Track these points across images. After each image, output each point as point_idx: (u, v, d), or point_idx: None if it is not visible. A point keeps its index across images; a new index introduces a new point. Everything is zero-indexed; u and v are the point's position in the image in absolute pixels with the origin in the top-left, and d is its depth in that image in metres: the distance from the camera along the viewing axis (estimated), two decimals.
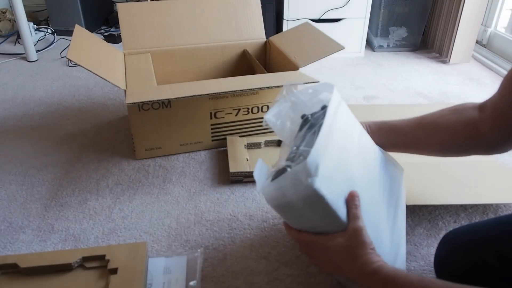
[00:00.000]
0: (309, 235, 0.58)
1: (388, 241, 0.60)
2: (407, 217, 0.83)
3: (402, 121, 0.69)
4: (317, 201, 0.51)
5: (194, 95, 0.87)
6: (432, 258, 0.72)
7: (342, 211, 0.53)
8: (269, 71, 1.09)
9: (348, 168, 0.56)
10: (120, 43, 1.85)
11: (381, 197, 0.62)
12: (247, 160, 0.96)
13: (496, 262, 0.57)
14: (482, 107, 0.60)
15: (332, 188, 0.52)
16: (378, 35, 1.79)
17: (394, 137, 0.69)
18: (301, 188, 0.50)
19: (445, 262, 0.64)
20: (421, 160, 0.96)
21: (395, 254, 0.61)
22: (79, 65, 0.86)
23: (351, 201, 0.54)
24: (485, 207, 0.85)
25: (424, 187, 0.85)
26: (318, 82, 0.93)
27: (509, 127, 0.55)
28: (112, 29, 2.04)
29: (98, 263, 0.66)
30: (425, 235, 0.78)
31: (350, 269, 0.54)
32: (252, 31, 1.25)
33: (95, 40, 1.05)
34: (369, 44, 1.84)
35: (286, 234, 0.62)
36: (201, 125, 1.01)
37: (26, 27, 1.61)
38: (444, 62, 1.67)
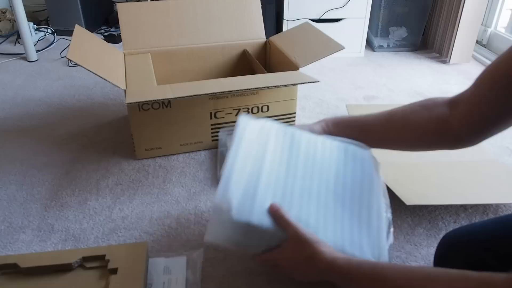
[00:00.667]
0: (269, 254, 0.61)
1: (348, 225, 0.61)
2: (407, 217, 0.83)
3: (371, 118, 0.69)
4: (246, 226, 0.56)
5: (194, 95, 0.87)
6: (432, 258, 0.72)
7: (274, 226, 0.57)
8: (269, 71, 1.09)
9: (267, 186, 0.60)
10: (120, 43, 1.85)
11: (331, 188, 0.64)
12: None
13: (496, 263, 0.57)
14: (453, 102, 0.60)
15: (253, 211, 0.57)
16: (378, 35, 1.79)
17: (364, 135, 0.70)
18: (228, 223, 0.56)
19: (445, 262, 0.64)
20: (421, 160, 0.96)
21: (367, 235, 0.61)
22: (79, 65, 0.86)
23: (275, 214, 0.57)
24: (485, 207, 0.85)
25: (424, 187, 0.85)
26: (318, 81, 0.93)
27: (481, 123, 0.56)
28: (112, 29, 2.04)
29: (98, 263, 0.66)
30: (425, 235, 0.78)
31: (311, 270, 0.57)
32: (252, 31, 1.25)
33: (95, 40, 1.05)
34: (369, 44, 1.84)
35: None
36: (201, 125, 1.02)
37: (26, 27, 1.61)
38: (444, 62, 1.67)
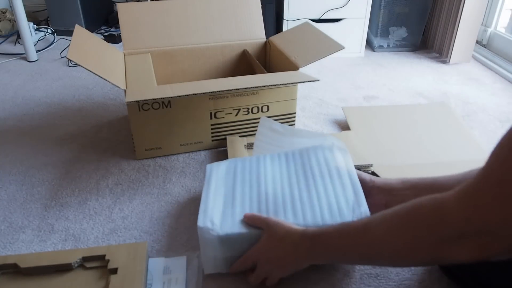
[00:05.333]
0: (246, 254, 0.65)
1: (325, 201, 0.69)
2: None
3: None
4: (232, 239, 0.65)
5: (194, 94, 0.87)
6: None
7: (253, 228, 0.65)
8: (269, 71, 1.10)
9: (243, 203, 0.70)
10: (120, 43, 1.85)
11: (302, 180, 0.74)
12: None
13: None
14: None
15: (234, 223, 0.66)
16: (378, 35, 1.79)
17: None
18: (216, 241, 0.64)
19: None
20: (421, 161, 0.96)
21: (345, 200, 0.69)
22: (79, 65, 0.86)
23: (250, 217, 0.65)
24: None
25: None
26: (318, 80, 0.93)
27: None
28: (112, 29, 2.04)
29: (98, 263, 0.66)
30: None
31: (288, 249, 0.60)
32: (252, 31, 1.25)
33: (95, 40, 1.05)
34: (369, 44, 1.84)
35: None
36: (201, 125, 1.02)
37: (26, 27, 1.61)
38: (444, 62, 1.67)
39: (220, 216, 0.67)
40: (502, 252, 0.42)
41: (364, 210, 0.65)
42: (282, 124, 0.86)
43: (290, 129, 0.87)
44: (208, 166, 0.80)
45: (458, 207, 0.43)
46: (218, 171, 0.78)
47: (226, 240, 0.65)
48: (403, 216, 0.48)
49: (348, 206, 0.67)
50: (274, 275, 0.64)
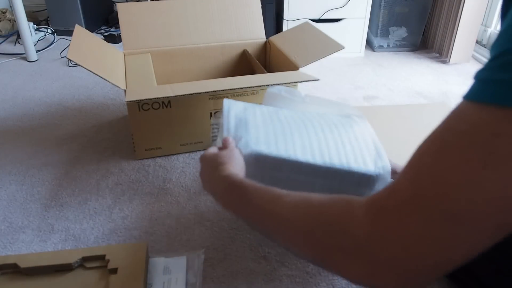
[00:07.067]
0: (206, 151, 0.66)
1: (349, 148, 0.69)
2: None
3: None
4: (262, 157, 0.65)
5: (194, 93, 0.87)
6: None
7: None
8: (269, 71, 1.09)
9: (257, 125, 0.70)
10: (120, 43, 1.85)
11: (322, 129, 0.72)
12: None
13: (498, 254, 0.57)
14: None
15: (267, 145, 0.66)
16: (378, 35, 1.79)
17: None
18: (251, 157, 0.64)
19: None
20: None
21: (368, 153, 0.68)
22: (79, 65, 0.86)
23: (226, 142, 0.66)
24: None
25: None
26: (318, 79, 0.93)
27: None
28: (112, 29, 2.04)
29: (98, 263, 0.66)
30: None
31: (212, 173, 0.61)
32: (252, 31, 1.25)
33: (95, 40, 1.05)
34: (369, 44, 1.84)
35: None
36: (201, 125, 1.01)
37: (26, 27, 1.61)
38: (444, 62, 1.67)
39: (257, 138, 0.66)
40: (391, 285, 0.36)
41: (385, 165, 0.65)
42: (292, 89, 0.82)
43: (303, 95, 0.82)
44: (226, 100, 0.77)
45: (364, 218, 0.37)
46: (236, 105, 0.76)
47: (259, 158, 0.64)
48: (314, 206, 0.43)
49: (370, 158, 0.66)
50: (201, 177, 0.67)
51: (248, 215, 0.52)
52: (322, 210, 0.42)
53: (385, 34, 1.79)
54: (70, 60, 1.44)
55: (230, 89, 0.94)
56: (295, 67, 1.03)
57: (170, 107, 0.96)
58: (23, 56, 1.69)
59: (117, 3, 1.26)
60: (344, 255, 0.38)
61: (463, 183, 0.32)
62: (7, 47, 1.85)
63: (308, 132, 0.70)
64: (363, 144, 0.69)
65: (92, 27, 1.99)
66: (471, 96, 0.34)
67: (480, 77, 0.34)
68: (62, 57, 1.71)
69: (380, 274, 0.36)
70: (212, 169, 0.61)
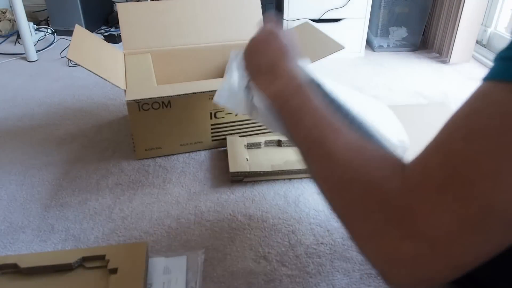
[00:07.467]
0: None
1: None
2: None
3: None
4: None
5: (194, 93, 0.87)
6: None
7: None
8: None
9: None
10: (120, 43, 1.85)
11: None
12: (247, 160, 0.96)
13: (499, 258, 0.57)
14: None
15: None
16: (378, 35, 1.79)
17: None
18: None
19: None
20: None
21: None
22: (79, 65, 0.86)
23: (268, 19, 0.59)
24: None
25: None
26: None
27: None
28: (112, 29, 2.04)
29: (98, 263, 0.66)
30: None
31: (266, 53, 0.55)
32: (252, 31, 1.25)
33: (95, 40, 1.05)
34: (369, 44, 1.84)
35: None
36: (201, 125, 1.02)
37: (26, 27, 1.61)
38: (444, 62, 1.67)
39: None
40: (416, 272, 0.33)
41: (407, 144, 0.62)
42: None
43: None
44: (233, 52, 0.71)
45: (400, 190, 0.35)
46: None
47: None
48: (364, 159, 0.39)
49: (393, 134, 0.63)
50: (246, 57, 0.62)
51: (292, 122, 0.47)
52: (367, 168, 0.38)
53: (385, 34, 1.79)
54: (70, 60, 1.44)
55: None
56: None
57: (170, 107, 0.96)
58: (23, 56, 1.69)
59: (117, 3, 1.26)
60: (365, 217, 0.36)
61: (501, 169, 0.29)
62: (7, 47, 1.85)
63: (338, 89, 0.64)
64: (386, 120, 0.67)
65: (92, 27, 1.99)
66: (497, 75, 0.32)
67: (503, 56, 0.32)
68: (62, 57, 1.71)
69: (397, 246, 0.34)
70: (274, 48, 0.54)
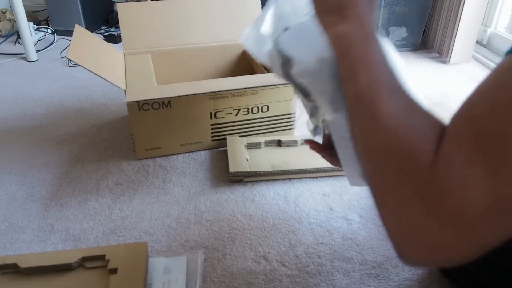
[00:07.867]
0: None
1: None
2: None
3: None
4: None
5: (194, 94, 0.87)
6: None
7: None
8: (269, 71, 1.10)
9: None
10: (120, 43, 1.85)
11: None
12: (247, 160, 0.96)
13: (497, 259, 0.57)
14: None
15: None
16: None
17: None
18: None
19: None
20: None
21: None
22: (79, 65, 0.86)
23: None
24: None
25: None
26: None
27: None
28: (112, 29, 2.04)
29: (98, 263, 0.66)
30: None
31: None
32: None
33: (95, 40, 1.05)
34: None
35: None
36: (201, 125, 1.02)
37: (26, 27, 1.61)
38: (444, 62, 1.67)
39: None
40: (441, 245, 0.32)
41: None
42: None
43: None
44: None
45: (431, 164, 0.33)
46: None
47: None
48: (410, 125, 0.37)
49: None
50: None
51: (348, 72, 0.43)
52: (411, 137, 0.36)
53: (385, 34, 1.79)
54: (70, 60, 1.44)
55: (230, 90, 0.94)
56: None
57: (170, 107, 0.96)
58: (23, 56, 1.69)
59: (117, 3, 1.26)
60: (396, 187, 0.35)
61: None
62: (7, 47, 1.85)
63: None
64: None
65: (92, 27, 1.99)
66: None
67: None
68: (62, 57, 1.71)
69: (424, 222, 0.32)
70: None
